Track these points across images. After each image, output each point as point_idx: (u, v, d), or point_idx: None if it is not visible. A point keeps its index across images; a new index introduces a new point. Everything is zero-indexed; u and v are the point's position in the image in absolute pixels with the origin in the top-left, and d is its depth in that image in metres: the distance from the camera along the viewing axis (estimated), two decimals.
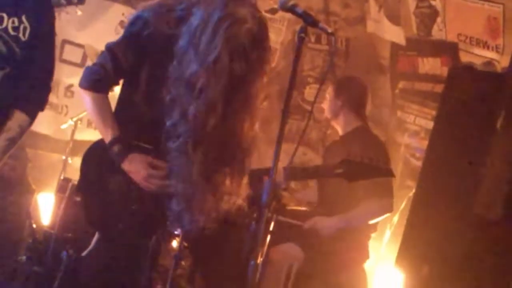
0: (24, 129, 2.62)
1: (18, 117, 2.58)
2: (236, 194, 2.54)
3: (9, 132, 2.56)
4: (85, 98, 2.66)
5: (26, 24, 2.52)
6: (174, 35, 2.44)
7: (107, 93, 2.66)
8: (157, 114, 2.48)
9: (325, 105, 3.57)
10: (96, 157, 2.70)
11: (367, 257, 3.42)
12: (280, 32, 5.02)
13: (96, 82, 2.63)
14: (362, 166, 3.05)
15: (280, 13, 4.87)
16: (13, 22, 2.50)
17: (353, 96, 3.46)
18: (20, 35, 2.52)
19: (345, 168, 3.05)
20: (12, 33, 2.50)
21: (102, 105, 2.63)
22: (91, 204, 2.73)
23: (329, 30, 2.37)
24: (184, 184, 2.47)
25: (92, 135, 4.77)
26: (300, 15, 2.35)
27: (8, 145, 2.57)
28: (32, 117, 2.64)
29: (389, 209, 3.26)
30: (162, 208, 2.54)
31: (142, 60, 2.54)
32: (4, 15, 2.47)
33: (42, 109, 2.69)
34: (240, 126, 2.48)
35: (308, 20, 2.33)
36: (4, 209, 4.26)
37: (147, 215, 2.59)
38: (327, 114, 3.57)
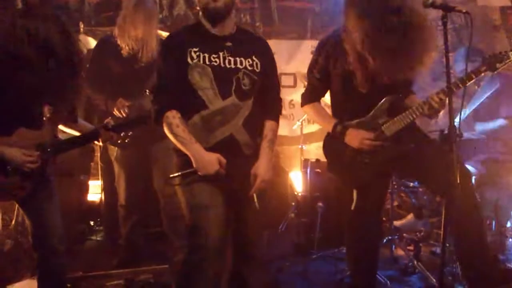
0: (276, 133, 2.75)
1: (270, 125, 2.76)
2: None
3: (267, 137, 2.73)
4: (306, 109, 3.18)
5: (256, 60, 2.70)
6: None
7: (318, 100, 3.16)
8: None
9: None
10: (330, 143, 3.14)
11: None
12: None
13: (309, 96, 3.13)
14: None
15: None
16: (248, 62, 2.68)
17: None
18: (255, 68, 2.68)
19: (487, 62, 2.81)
20: (249, 68, 2.68)
21: (318, 108, 3.16)
22: (340, 172, 3.14)
23: (464, 11, 2.51)
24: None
25: (313, 127, 5.68)
26: (439, 7, 2.51)
27: (270, 146, 2.70)
28: (278, 122, 2.80)
29: None
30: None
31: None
32: (242, 58, 2.68)
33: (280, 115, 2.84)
34: None
35: (446, 8, 2.50)
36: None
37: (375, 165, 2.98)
38: None
